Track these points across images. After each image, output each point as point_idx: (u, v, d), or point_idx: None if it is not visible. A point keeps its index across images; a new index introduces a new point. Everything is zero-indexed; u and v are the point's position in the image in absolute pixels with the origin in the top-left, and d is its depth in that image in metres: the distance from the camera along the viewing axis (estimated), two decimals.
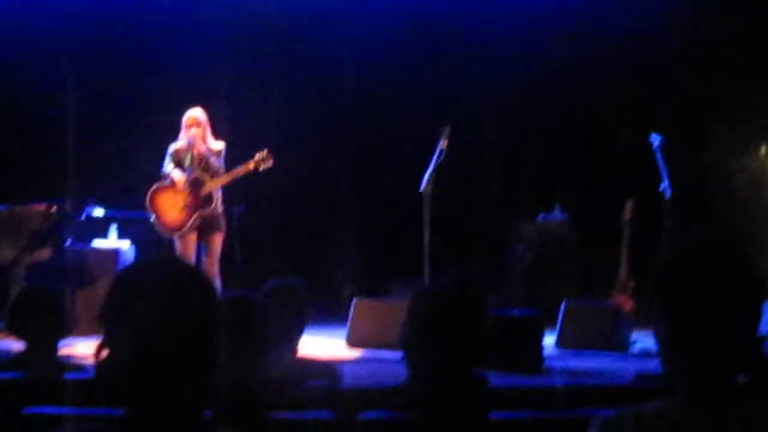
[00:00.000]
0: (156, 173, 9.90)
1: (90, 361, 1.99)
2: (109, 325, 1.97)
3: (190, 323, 1.95)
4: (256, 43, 12.71)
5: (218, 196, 9.65)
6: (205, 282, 2.03)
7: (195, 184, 9.57)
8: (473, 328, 3.16)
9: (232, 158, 9.82)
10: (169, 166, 9.68)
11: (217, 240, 9.59)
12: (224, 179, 9.57)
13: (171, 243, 9.69)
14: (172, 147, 9.68)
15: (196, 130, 9.55)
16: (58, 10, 12.18)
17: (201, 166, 9.60)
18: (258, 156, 9.56)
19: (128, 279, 2.03)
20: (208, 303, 2.00)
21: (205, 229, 9.58)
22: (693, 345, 1.96)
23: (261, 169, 9.56)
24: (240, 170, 9.55)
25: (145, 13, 12.32)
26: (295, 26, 12.78)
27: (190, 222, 9.52)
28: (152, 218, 9.65)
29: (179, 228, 9.56)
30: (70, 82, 12.02)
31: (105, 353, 1.94)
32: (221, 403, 2.05)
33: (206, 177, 9.57)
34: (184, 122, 9.62)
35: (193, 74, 11.93)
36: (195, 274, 2.05)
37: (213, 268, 9.37)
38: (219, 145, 9.69)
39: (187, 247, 9.51)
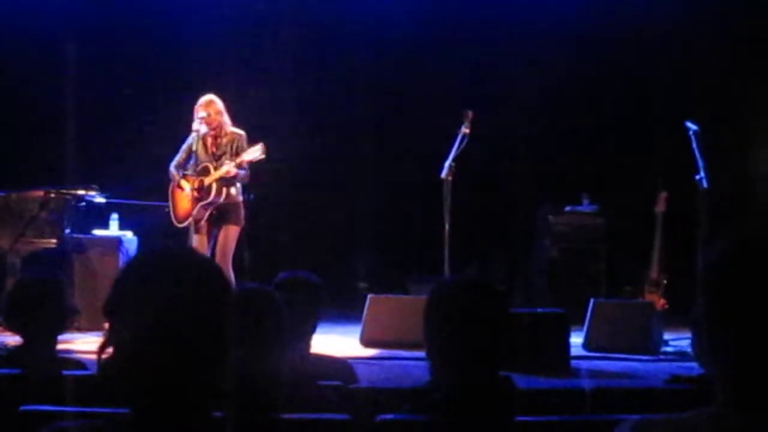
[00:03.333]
0: (161, 160, 9.92)
1: (91, 357, 1.98)
2: (114, 319, 1.96)
3: (201, 318, 1.94)
4: (270, 29, 12.71)
5: (227, 187, 9.56)
6: (217, 274, 2.01)
7: (202, 174, 9.56)
8: (496, 323, 3.14)
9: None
10: (177, 158, 9.67)
11: (228, 232, 9.55)
12: (222, 172, 9.49)
13: (179, 233, 9.68)
14: (192, 134, 9.61)
15: (203, 116, 9.50)
16: None
17: (215, 155, 9.57)
18: (251, 149, 9.51)
19: (135, 270, 2.02)
20: (220, 297, 1.98)
21: (216, 221, 9.58)
22: (744, 347, 1.93)
23: (254, 160, 9.49)
24: (235, 161, 9.49)
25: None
26: (310, 10, 12.77)
27: (194, 213, 9.52)
28: (168, 208, 9.71)
29: (183, 219, 9.58)
30: (72, 65, 12.04)
31: (109, 350, 1.93)
32: (231, 403, 2.03)
33: (211, 167, 9.54)
34: (196, 108, 9.57)
35: (203, 60, 11.96)
36: (206, 265, 2.03)
37: (222, 261, 9.28)
38: (235, 134, 9.60)
39: (201, 239, 9.52)
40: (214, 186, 9.50)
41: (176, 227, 9.71)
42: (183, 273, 1.97)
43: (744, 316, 1.92)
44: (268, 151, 9.48)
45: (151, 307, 1.92)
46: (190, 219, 9.53)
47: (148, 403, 1.93)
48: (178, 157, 9.70)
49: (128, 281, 1.99)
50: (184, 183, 9.62)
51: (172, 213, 9.71)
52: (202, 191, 9.52)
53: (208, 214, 9.55)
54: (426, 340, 3.16)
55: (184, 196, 9.64)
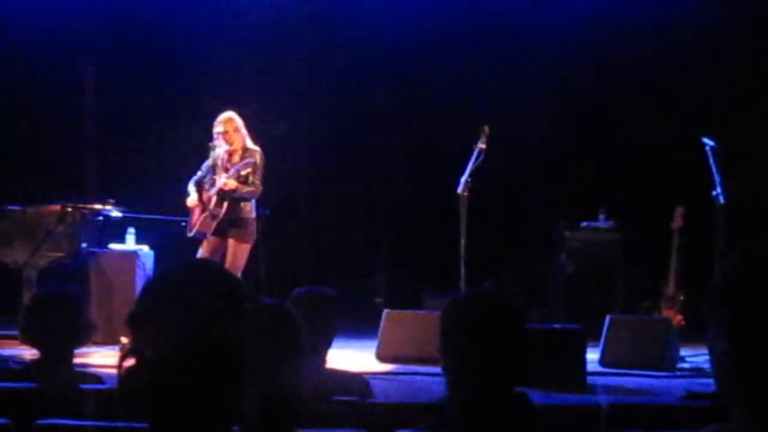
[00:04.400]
0: (178, 174, 9.97)
1: (108, 371, 1.99)
2: (138, 332, 1.97)
3: (223, 331, 1.95)
4: (287, 46, 12.76)
5: (230, 201, 9.56)
6: (239, 288, 2.02)
7: (210, 188, 9.62)
8: (512, 339, 3.13)
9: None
10: (198, 175, 9.72)
11: (236, 247, 9.56)
12: (219, 184, 9.53)
13: (194, 247, 9.72)
14: (214, 151, 9.69)
15: (220, 131, 9.56)
16: (79, 7, 12.25)
17: (225, 170, 9.61)
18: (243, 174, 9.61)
19: (161, 283, 2.03)
20: (241, 310, 1.99)
21: (223, 233, 9.59)
22: (755, 364, 1.92)
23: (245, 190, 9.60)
24: (231, 182, 9.55)
25: (170, 12, 12.37)
26: (327, 25, 12.81)
27: (199, 223, 9.58)
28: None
29: (193, 227, 9.64)
30: (90, 81, 12.10)
31: (130, 362, 1.94)
32: (249, 417, 2.04)
33: (218, 180, 9.58)
34: (214, 125, 9.63)
35: (220, 74, 12.01)
36: (230, 280, 2.04)
37: None
38: (250, 151, 9.62)
39: (207, 251, 9.55)
40: (214, 198, 9.55)
41: (191, 241, 9.76)
42: (207, 287, 1.98)
43: (760, 330, 1.91)
44: (264, 156, 9.54)
45: (175, 319, 1.93)
46: (195, 229, 9.60)
47: (167, 417, 1.94)
48: (199, 175, 9.75)
49: (154, 292, 2.01)
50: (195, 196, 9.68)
51: (189, 225, 9.80)
52: (206, 203, 9.58)
53: (214, 227, 9.56)
54: (442, 356, 3.16)
55: (197, 208, 9.72)
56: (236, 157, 9.61)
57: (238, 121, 9.63)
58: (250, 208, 9.67)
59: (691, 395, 6.92)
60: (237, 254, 9.57)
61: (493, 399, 3.08)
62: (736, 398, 1.95)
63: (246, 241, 9.62)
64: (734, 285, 1.96)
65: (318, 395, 3.87)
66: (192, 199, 9.66)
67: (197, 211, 9.69)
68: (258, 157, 9.59)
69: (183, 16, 12.33)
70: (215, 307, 1.95)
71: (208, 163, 9.67)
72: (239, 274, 9.44)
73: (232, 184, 9.48)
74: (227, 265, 9.42)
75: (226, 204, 9.54)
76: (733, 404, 1.95)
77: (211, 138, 9.64)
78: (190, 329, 1.92)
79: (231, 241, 9.57)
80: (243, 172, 9.49)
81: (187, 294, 1.96)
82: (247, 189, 9.54)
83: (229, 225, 9.56)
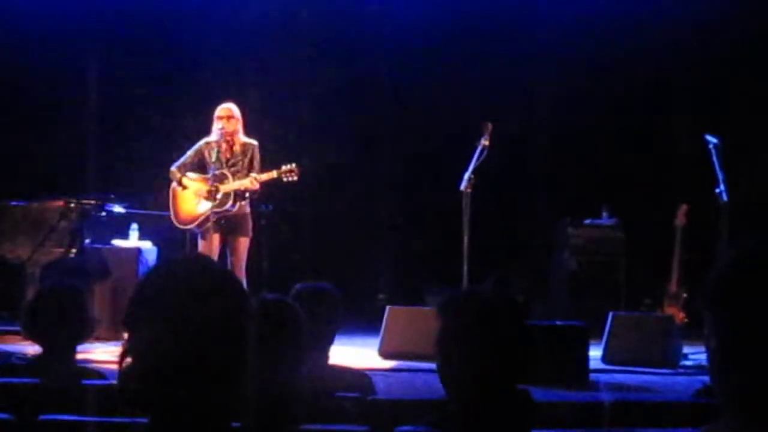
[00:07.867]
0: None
1: (110, 366, 1.99)
2: (134, 329, 1.97)
3: (220, 328, 1.94)
4: (290, 42, 12.76)
5: (239, 198, 9.57)
6: (235, 284, 2.02)
7: (218, 180, 9.55)
8: (509, 337, 3.12)
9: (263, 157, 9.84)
10: (182, 159, 9.69)
11: (241, 244, 9.57)
12: (245, 183, 9.51)
13: (194, 243, 9.72)
14: (203, 140, 9.68)
15: (226, 124, 9.55)
16: (79, 2, 12.26)
17: (228, 162, 9.60)
18: (285, 167, 9.53)
19: (154, 280, 2.03)
20: (239, 306, 1.99)
21: (228, 231, 9.58)
22: (748, 362, 1.91)
23: (284, 180, 9.53)
24: (262, 177, 9.53)
25: (170, 6, 12.38)
26: (331, 21, 12.81)
27: (201, 218, 9.54)
28: (170, 209, 9.74)
29: (189, 222, 9.62)
30: (93, 76, 12.10)
31: (129, 360, 1.94)
32: (250, 413, 2.04)
33: (229, 174, 9.55)
34: (215, 115, 9.61)
35: (222, 71, 12.00)
36: (225, 276, 2.04)
37: (239, 273, 9.31)
38: (249, 144, 9.65)
39: (210, 248, 9.50)
40: (232, 195, 9.52)
41: (195, 237, 9.74)
42: (201, 283, 1.98)
43: (751, 327, 1.90)
44: (300, 172, 9.52)
45: (170, 317, 1.93)
46: (196, 223, 9.58)
47: (167, 414, 1.94)
48: (183, 159, 9.72)
49: (146, 292, 2.00)
50: (187, 182, 9.65)
51: (172, 214, 9.75)
52: (218, 198, 9.51)
53: (215, 220, 9.53)
54: (439, 354, 3.12)
55: (187, 197, 9.67)
56: (237, 148, 9.61)
57: (238, 112, 9.64)
58: (247, 203, 9.68)
59: (704, 391, 6.89)
60: (242, 249, 9.57)
61: (493, 396, 3.07)
62: (726, 396, 1.94)
63: (248, 236, 9.64)
64: (721, 285, 1.96)
65: (320, 391, 3.87)
66: (191, 185, 9.64)
67: (187, 200, 9.66)
68: (258, 152, 9.62)
69: (183, 10, 12.34)
70: (209, 305, 1.95)
71: (205, 153, 9.64)
72: (244, 270, 9.47)
73: (257, 185, 9.50)
74: (233, 260, 9.47)
75: (239, 201, 9.53)
76: (724, 402, 1.94)
77: (203, 129, 9.65)
78: (185, 327, 1.92)
79: (234, 238, 9.57)
80: (252, 164, 9.54)
81: (180, 292, 1.95)
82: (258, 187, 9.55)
83: (234, 221, 9.56)
